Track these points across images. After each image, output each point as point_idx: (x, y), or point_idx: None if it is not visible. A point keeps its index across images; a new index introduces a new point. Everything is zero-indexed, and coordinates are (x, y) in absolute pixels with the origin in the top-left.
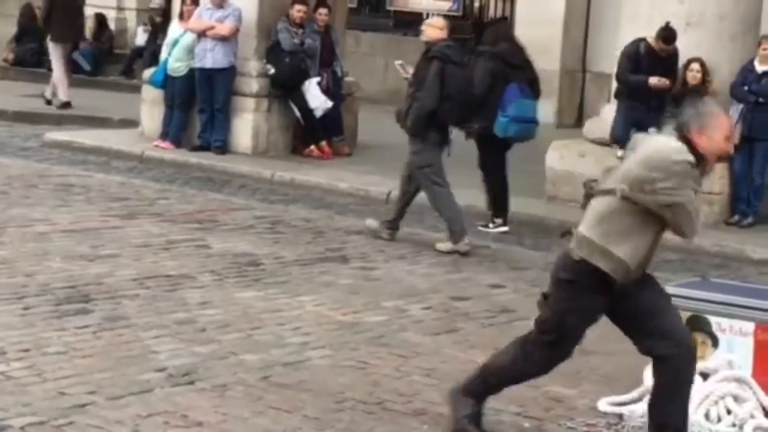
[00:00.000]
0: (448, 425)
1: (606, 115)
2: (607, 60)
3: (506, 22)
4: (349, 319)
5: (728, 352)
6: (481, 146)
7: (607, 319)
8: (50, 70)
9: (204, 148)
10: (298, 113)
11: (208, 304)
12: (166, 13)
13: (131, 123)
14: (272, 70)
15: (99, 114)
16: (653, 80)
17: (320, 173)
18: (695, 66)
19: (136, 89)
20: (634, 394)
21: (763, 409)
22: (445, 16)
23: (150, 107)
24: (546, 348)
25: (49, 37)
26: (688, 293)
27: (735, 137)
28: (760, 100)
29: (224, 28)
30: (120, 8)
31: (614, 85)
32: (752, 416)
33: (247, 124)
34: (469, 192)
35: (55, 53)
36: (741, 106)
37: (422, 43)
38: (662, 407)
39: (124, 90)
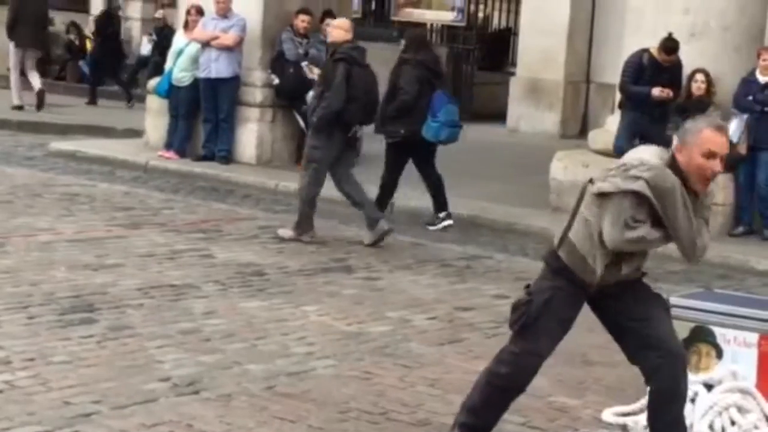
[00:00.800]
0: None
1: (610, 126)
2: (611, 71)
3: (423, 30)
4: (353, 329)
5: (732, 362)
6: (396, 150)
7: None
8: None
9: (208, 157)
10: (302, 123)
11: (212, 314)
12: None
13: (135, 133)
14: (276, 80)
15: (103, 124)
16: (656, 91)
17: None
18: (700, 77)
19: (141, 99)
20: (638, 404)
21: (767, 419)
22: (450, 27)
23: (154, 117)
24: (513, 354)
25: (12, 43)
26: (693, 304)
27: (742, 148)
28: (766, 109)
29: (229, 39)
30: (124, 18)
31: (618, 95)
32: (756, 427)
33: (251, 134)
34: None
35: (14, 58)
36: (746, 116)
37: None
38: (657, 420)
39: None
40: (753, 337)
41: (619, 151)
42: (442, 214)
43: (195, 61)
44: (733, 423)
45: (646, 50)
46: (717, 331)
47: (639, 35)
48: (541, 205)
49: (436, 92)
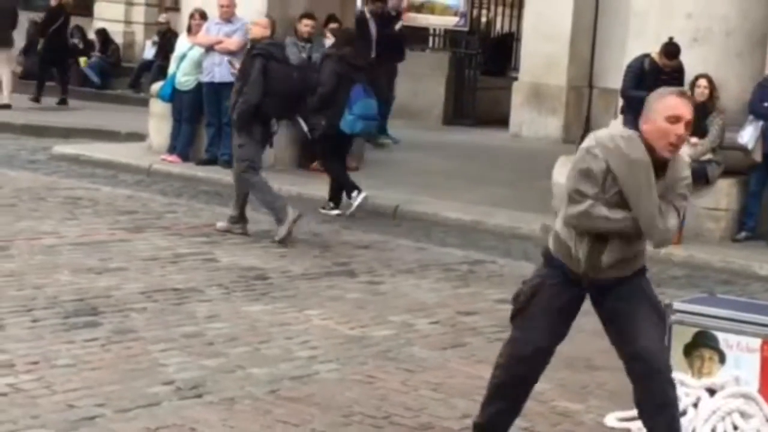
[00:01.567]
0: None
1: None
2: (614, 75)
3: (351, 28)
4: (356, 333)
5: (735, 368)
6: (324, 142)
7: None
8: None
9: (211, 161)
10: (305, 128)
11: (215, 318)
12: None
13: (139, 136)
14: None
15: (107, 127)
16: None
17: (327, 188)
18: (702, 82)
19: (144, 103)
20: None
21: None
22: (453, 32)
23: (158, 121)
24: (506, 344)
25: None
26: (695, 309)
27: (757, 155)
28: None
29: (232, 43)
30: (128, 22)
31: (620, 100)
32: None
33: None
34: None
35: None
36: (761, 123)
37: (429, 57)
38: (653, 422)
39: (131, 104)
40: (756, 342)
41: None
42: (331, 204)
43: (198, 65)
44: (735, 428)
45: (647, 55)
46: (720, 336)
47: (642, 40)
48: (544, 210)
49: (354, 86)
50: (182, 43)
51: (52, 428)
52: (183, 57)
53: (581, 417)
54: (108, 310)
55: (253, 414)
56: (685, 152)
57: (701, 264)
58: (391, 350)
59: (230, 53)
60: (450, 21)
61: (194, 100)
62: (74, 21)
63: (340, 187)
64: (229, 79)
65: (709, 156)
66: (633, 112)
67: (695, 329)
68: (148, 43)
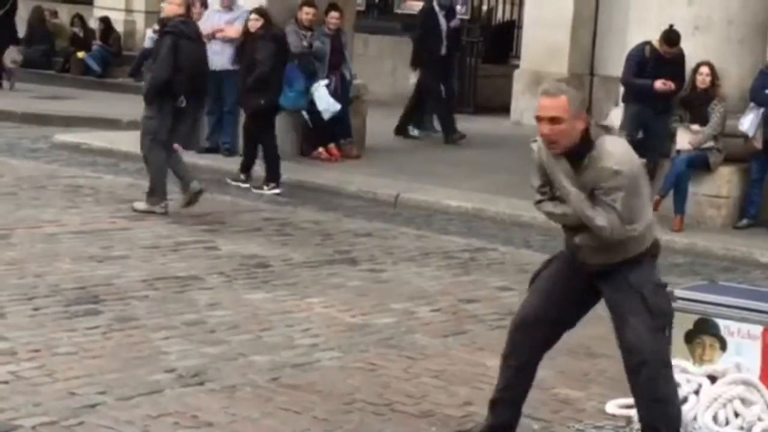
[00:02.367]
0: (456, 426)
1: (613, 119)
2: (615, 63)
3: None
4: (357, 321)
5: (736, 355)
6: (260, 119)
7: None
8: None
9: (212, 150)
10: (306, 116)
11: (217, 306)
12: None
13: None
14: None
15: (108, 116)
16: (658, 84)
17: (328, 176)
18: (704, 69)
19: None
20: None
21: None
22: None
23: None
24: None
25: None
26: (696, 296)
27: (758, 142)
28: None
29: (233, 31)
30: (129, 11)
31: (622, 88)
32: (760, 419)
33: None
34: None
35: None
36: (762, 110)
37: None
38: (644, 415)
39: (132, 92)
40: (757, 329)
41: None
42: (272, 184)
43: None
44: (737, 415)
45: (648, 43)
46: (721, 323)
47: (643, 28)
48: None
49: (289, 65)
50: None
51: (54, 416)
52: None
53: (582, 404)
54: (109, 298)
55: (255, 401)
56: (687, 139)
57: (702, 251)
58: (392, 338)
59: (231, 41)
60: None
61: None
62: (75, 9)
63: (277, 163)
64: (230, 67)
65: (710, 143)
66: (634, 100)
67: (696, 316)
68: (149, 31)
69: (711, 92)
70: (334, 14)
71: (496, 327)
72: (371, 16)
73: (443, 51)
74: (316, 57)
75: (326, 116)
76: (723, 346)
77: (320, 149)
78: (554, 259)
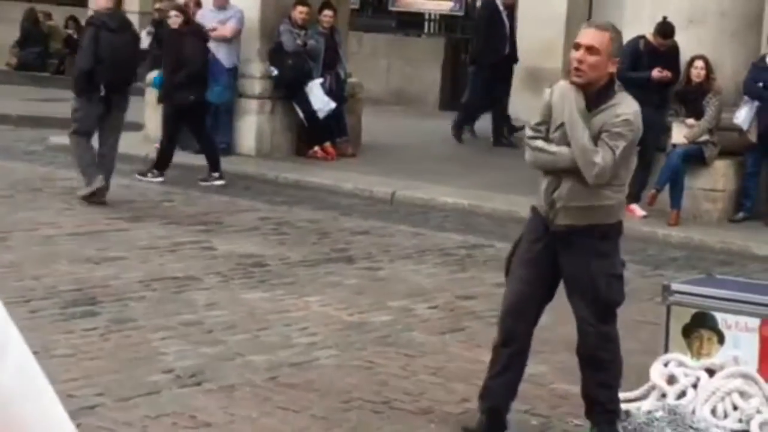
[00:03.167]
0: (454, 423)
1: None
2: None
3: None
4: (355, 319)
5: (734, 348)
6: (188, 115)
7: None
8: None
9: None
10: (301, 115)
11: (214, 306)
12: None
13: (135, 126)
14: (275, 72)
15: None
16: (655, 72)
17: (324, 174)
18: (699, 63)
19: (140, 92)
20: (640, 390)
21: None
22: (448, 17)
23: (153, 110)
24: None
25: None
26: (694, 290)
27: (752, 136)
28: None
29: (227, 30)
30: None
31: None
32: (759, 412)
33: (250, 125)
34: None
35: None
36: (755, 103)
37: (424, 42)
38: (587, 385)
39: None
40: (754, 322)
41: None
42: (216, 174)
43: None
44: (735, 408)
45: (642, 36)
46: (718, 316)
47: (638, 23)
48: None
49: (212, 61)
50: None
51: None
52: None
53: (580, 399)
54: (107, 299)
55: (253, 401)
56: (682, 133)
57: (699, 245)
58: (390, 335)
59: (224, 40)
60: (445, 6)
61: None
62: (69, 11)
63: (217, 153)
64: (225, 66)
65: (705, 137)
66: (631, 94)
67: (694, 310)
68: (144, 32)
69: (706, 86)
70: (327, 12)
71: (493, 323)
72: (366, 14)
73: (507, 50)
74: (310, 56)
75: (321, 115)
76: (721, 339)
77: (316, 148)
78: (521, 241)
